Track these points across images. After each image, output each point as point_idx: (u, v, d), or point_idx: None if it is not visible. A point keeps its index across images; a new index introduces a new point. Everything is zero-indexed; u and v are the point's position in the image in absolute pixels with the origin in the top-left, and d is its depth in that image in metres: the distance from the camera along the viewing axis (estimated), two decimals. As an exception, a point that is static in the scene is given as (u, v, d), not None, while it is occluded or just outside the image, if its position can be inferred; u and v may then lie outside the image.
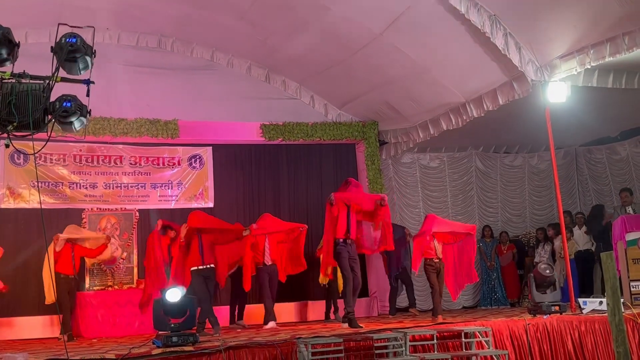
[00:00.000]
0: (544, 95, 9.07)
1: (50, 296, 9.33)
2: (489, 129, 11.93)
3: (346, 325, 8.44)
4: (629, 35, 7.80)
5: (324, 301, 11.20)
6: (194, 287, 8.67)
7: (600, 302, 8.28)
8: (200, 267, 8.85)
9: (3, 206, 10.57)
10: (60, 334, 8.95)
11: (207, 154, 11.91)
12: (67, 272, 9.37)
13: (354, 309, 8.60)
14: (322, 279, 10.67)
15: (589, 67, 8.55)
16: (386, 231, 8.95)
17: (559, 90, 9.01)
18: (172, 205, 11.49)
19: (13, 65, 4.61)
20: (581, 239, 11.63)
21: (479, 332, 7.29)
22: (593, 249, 11.48)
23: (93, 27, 4.71)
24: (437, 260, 9.28)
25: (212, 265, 9.01)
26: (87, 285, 10.35)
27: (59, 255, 9.33)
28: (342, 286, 9.25)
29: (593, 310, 8.36)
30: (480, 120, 10.48)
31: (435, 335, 7.06)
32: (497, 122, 11.35)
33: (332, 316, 10.83)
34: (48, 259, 9.27)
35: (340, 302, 10.27)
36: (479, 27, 8.57)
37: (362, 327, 8.15)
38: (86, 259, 10.19)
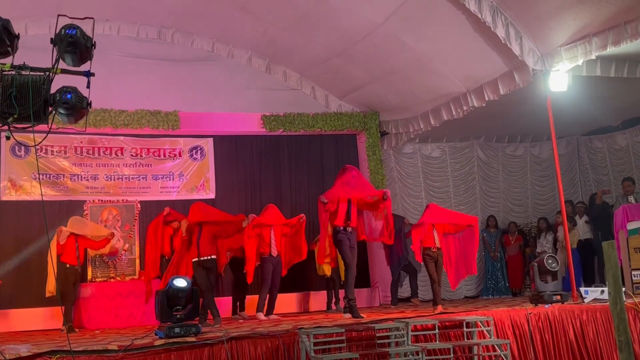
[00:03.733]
0: (546, 84, 9.05)
1: (50, 289, 9.38)
2: (491, 118, 11.91)
3: (348, 315, 8.44)
4: (631, 24, 7.76)
5: (326, 292, 11.20)
6: (195, 278, 8.65)
7: (602, 291, 8.29)
8: (201, 259, 8.83)
9: (4, 198, 10.59)
10: (62, 325, 9.00)
11: (208, 145, 11.92)
12: (73, 262, 9.40)
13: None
14: (325, 270, 10.67)
15: (592, 56, 8.49)
16: (386, 224, 8.90)
17: (560, 79, 8.99)
18: (174, 196, 11.50)
19: (13, 57, 4.60)
20: (582, 228, 11.65)
21: (480, 321, 7.30)
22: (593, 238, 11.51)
23: (93, 18, 4.69)
24: (435, 250, 9.21)
25: (214, 257, 9.00)
26: (89, 277, 10.37)
27: (64, 246, 9.35)
28: (344, 275, 9.20)
29: (595, 300, 8.37)
30: (482, 110, 10.45)
31: (437, 325, 7.06)
32: (498, 112, 11.33)
33: (333, 307, 10.84)
34: (50, 252, 9.28)
35: (341, 293, 10.29)
36: (480, 17, 8.54)
37: (363, 317, 8.16)
38: (88, 250, 10.20)
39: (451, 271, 9.58)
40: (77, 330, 9.23)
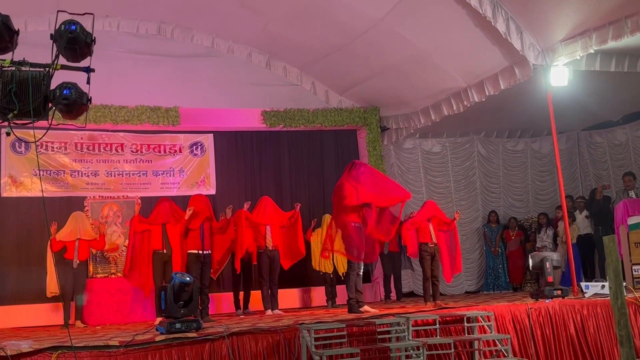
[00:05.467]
0: (546, 79, 9.04)
1: (52, 289, 9.40)
2: (491, 114, 11.89)
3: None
4: (632, 18, 7.75)
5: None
6: (188, 270, 8.38)
7: (602, 286, 8.30)
8: (199, 252, 8.54)
9: (5, 195, 10.59)
10: (75, 319, 9.16)
11: (208, 141, 11.91)
12: (77, 258, 9.37)
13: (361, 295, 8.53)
14: (320, 265, 10.65)
15: (592, 51, 8.49)
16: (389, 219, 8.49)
17: (560, 74, 8.98)
18: (175, 192, 11.48)
19: (13, 53, 4.60)
20: (582, 223, 11.64)
21: (481, 316, 7.31)
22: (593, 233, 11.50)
23: (92, 14, 4.67)
24: (432, 245, 9.16)
25: (209, 252, 8.83)
26: (90, 273, 10.37)
27: (67, 243, 9.31)
28: (346, 271, 9.07)
29: (595, 294, 8.38)
30: (482, 105, 10.45)
31: (437, 320, 7.07)
32: (498, 107, 11.32)
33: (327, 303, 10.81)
34: (49, 250, 9.27)
35: (340, 289, 10.28)
36: (480, 12, 8.52)
37: (362, 312, 8.15)
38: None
39: (446, 265, 9.45)
40: (74, 325, 9.22)
